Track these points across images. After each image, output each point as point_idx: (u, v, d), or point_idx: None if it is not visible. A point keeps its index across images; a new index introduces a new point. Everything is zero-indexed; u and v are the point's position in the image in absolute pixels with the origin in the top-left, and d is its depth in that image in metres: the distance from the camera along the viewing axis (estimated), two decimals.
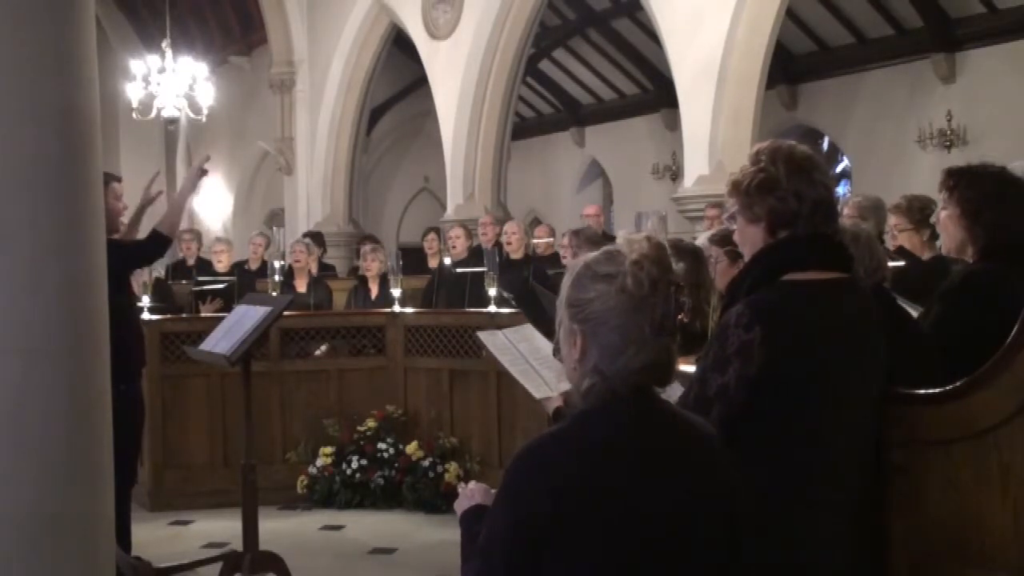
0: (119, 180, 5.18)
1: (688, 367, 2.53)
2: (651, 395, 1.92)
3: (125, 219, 5.41)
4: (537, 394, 3.06)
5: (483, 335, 3.68)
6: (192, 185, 5.44)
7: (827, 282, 2.37)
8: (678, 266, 1.90)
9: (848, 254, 2.46)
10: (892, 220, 5.24)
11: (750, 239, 2.43)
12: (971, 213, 3.11)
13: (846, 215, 4.94)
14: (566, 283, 1.96)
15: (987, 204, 3.08)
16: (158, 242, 5.14)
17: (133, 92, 13.99)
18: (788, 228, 2.37)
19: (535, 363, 3.17)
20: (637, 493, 1.83)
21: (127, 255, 4.98)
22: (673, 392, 2.40)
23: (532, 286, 4.93)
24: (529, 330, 3.41)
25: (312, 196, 14.43)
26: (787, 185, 2.36)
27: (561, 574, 1.82)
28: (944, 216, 3.22)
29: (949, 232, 3.21)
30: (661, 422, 1.92)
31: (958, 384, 2.41)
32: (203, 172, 5.42)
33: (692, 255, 4.17)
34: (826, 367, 2.32)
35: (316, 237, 10.84)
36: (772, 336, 2.25)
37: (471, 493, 2.14)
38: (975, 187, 3.11)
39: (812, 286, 2.35)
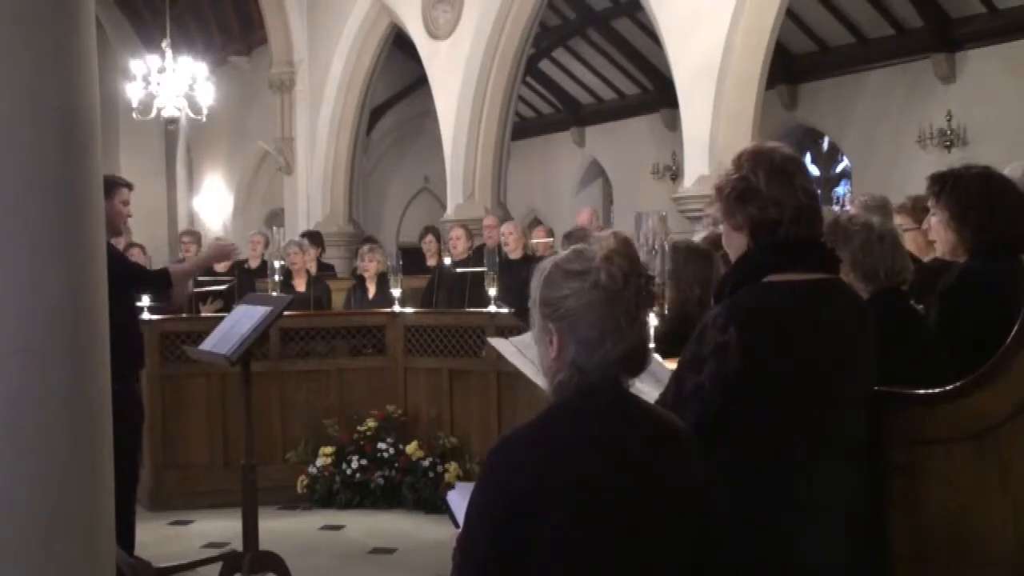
0: (130, 187, 5.12)
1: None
2: (624, 388, 1.96)
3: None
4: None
5: (494, 341, 3.85)
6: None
7: (809, 283, 2.36)
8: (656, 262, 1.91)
9: (834, 255, 2.47)
10: (896, 220, 5.26)
11: (735, 244, 2.46)
12: (959, 215, 3.14)
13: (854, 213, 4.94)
14: (536, 283, 1.98)
15: (973, 205, 3.11)
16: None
17: (133, 92, 13.96)
18: (770, 235, 2.37)
19: None
20: (612, 482, 1.87)
21: (128, 272, 4.90)
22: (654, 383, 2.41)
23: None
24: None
25: (312, 196, 14.41)
26: (767, 194, 2.35)
27: (538, 562, 1.84)
28: (935, 221, 3.25)
29: (941, 236, 3.24)
30: (635, 413, 1.96)
31: (958, 384, 2.41)
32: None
33: (685, 251, 4.16)
34: (805, 366, 2.31)
35: (313, 236, 10.84)
36: (748, 337, 2.25)
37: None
38: (960, 189, 3.14)
39: (792, 287, 2.35)
